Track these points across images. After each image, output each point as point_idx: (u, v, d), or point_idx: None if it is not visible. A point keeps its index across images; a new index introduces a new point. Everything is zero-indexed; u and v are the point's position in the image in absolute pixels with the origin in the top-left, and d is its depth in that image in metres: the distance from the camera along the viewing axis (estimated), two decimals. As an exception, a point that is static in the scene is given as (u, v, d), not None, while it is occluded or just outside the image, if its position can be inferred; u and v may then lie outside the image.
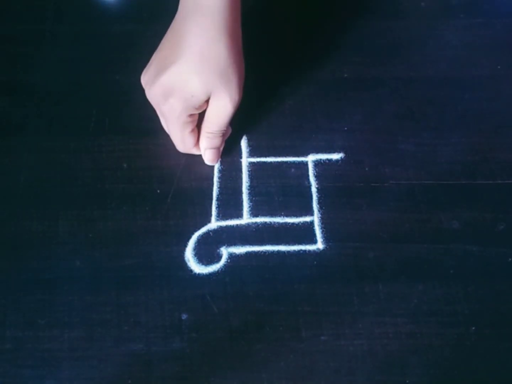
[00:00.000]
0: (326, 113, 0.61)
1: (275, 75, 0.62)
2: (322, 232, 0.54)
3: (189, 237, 0.54)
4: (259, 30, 0.58)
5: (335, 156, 0.58)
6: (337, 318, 0.50)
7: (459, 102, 0.61)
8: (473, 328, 0.50)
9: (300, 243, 0.54)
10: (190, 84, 0.51)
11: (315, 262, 0.53)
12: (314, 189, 0.56)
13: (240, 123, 0.59)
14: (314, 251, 0.53)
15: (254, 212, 0.55)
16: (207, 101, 0.53)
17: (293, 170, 0.57)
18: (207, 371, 0.48)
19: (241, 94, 0.53)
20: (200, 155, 0.57)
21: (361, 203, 0.56)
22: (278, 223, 0.55)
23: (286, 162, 0.58)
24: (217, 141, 0.55)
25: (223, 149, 0.57)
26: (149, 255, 0.53)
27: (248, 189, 0.56)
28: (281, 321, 0.50)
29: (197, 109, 0.53)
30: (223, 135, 0.55)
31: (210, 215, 0.55)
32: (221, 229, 0.54)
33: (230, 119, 0.54)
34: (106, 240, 0.53)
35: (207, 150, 0.56)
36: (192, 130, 0.55)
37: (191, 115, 0.53)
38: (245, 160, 0.58)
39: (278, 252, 0.53)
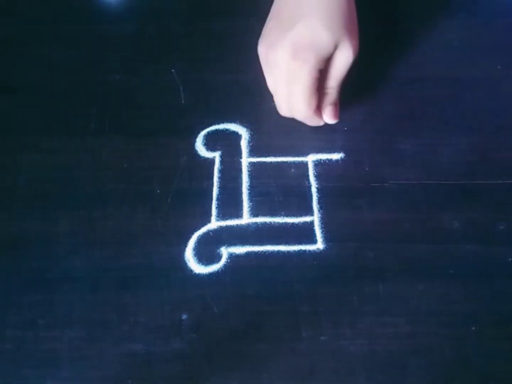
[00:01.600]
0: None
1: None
2: (322, 232, 0.54)
3: (189, 237, 0.54)
4: (259, 30, 0.58)
5: (335, 156, 0.58)
6: (337, 318, 0.50)
7: (459, 102, 0.61)
8: (473, 328, 0.50)
9: (300, 243, 0.54)
10: (321, 36, 0.52)
11: (315, 262, 0.53)
12: (314, 189, 0.56)
13: (240, 123, 0.59)
14: (314, 251, 0.53)
15: (254, 212, 0.55)
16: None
17: (293, 170, 0.57)
18: (207, 371, 0.48)
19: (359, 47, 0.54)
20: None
21: (361, 203, 0.56)
22: (278, 223, 0.55)
23: (286, 162, 0.58)
24: (336, 96, 0.56)
25: (223, 149, 0.57)
26: (149, 255, 0.53)
27: (248, 189, 0.56)
28: (281, 321, 0.50)
29: (325, 62, 0.53)
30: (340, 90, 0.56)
31: (210, 215, 0.55)
32: (221, 229, 0.54)
33: (347, 72, 0.54)
34: (106, 240, 0.53)
35: (329, 106, 0.56)
36: (317, 89, 0.54)
37: (319, 71, 0.53)
38: (245, 160, 0.58)
39: (278, 252, 0.53)
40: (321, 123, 0.57)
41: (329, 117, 0.57)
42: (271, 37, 0.54)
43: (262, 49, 0.55)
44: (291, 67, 0.53)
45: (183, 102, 0.61)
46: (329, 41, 0.52)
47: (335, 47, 0.53)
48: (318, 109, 0.56)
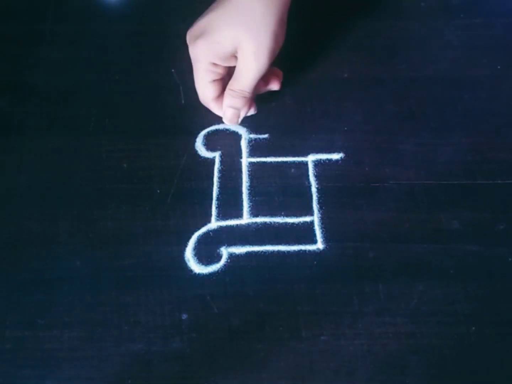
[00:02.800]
0: (326, 113, 0.61)
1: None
2: (322, 232, 0.54)
3: (189, 237, 0.54)
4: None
5: (335, 156, 0.58)
6: (337, 318, 0.50)
7: (459, 102, 0.61)
8: (473, 328, 0.50)
9: (300, 243, 0.54)
10: (219, 31, 0.53)
11: (315, 262, 0.53)
12: (314, 189, 0.56)
13: (240, 123, 0.59)
14: (314, 251, 0.53)
15: (254, 212, 0.55)
16: (235, 58, 0.54)
17: (293, 170, 0.57)
18: (207, 371, 0.48)
19: (270, 61, 0.53)
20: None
21: (361, 203, 0.56)
22: (278, 223, 0.55)
23: (286, 162, 0.58)
24: (238, 101, 0.56)
25: (223, 149, 0.57)
26: (149, 255, 0.53)
27: (248, 189, 0.56)
28: (281, 321, 0.50)
29: (221, 59, 0.54)
30: (246, 99, 0.56)
31: (210, 215, 0.55)
32: (221, 229, 0.54)
33: (254, 82, 0.54)
34: (106, 240, 0.53)
35: (228, 108, 0.57)
36: (214, 81, 0.56)
37: (215, 65, 0.54)
38: (245, 160, 0.58)
39: (278, 252, 0.53)
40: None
41: (225, 119, 0.58)
42: (197, 20, 0.56)
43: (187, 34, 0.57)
44: (190, 52, 0.56)
45: (183, 102, 0.61)
46: (224, 38, 0.53)
47: (235, 49, 0.53)
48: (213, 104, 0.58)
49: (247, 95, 0.56)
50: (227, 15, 0.53)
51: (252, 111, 0.58)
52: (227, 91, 0.56)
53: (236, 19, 0.52)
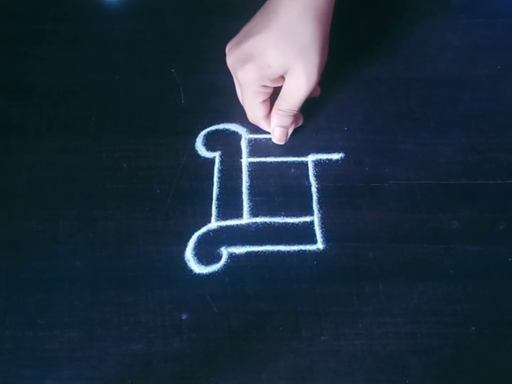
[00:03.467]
0: (326, 113, 0.61)
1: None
2: (322, 232, 0.54)
3: (189, 237, 0.54)
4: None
5: (335, 156, 0.58)
6: (337, 318, 0.50)
7: (459, 102, 0.61)
8: (473, 328, 0.50)
9: (300, 243, 0.54)
10: (269, 54, 0.52)
11: (315, 262, 0.53)
12: (314, 189, 0.56)
13: (240, 123, 0.59)
14: (314, 251, 0.53)
15: (254, 212, 0.55)
16: (283, 77, 0.54)
17: (293, 170, 0.57)
18: (207, 371, 0.48)
19: (319, 77, 0.53)
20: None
21: (361, 203, 0.56)
22: (278, 223, 0.55)
23: (286, 162, 0.58)
24: (287, 120, 0.56)
25: (223, 149, 0.57)
26: (149, 255, 0.53)
27: (248, 189, 0.56)
28: (281, 321, 0.50)
29: (271, 81, 0.54)
30: (295, 116, 0.56)
31: (210, 215, 0.55)
32: (221, 229, 0.54)
33: (303, 100, 0.54)
34: (106, 240, 0.54)
35: (276, 128, 0.57)
36: (264, 101, 0.56)
37: (264, 86, 0.54)
38: (245, 160, 0.58)
39: (278, 252, 0.53)
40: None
41: (274, 138, 0.58)
42: (234, 41, 0.55)
43: (226, 49, 0.56)
44: (238, 75, 0.54)
45: (183, 102, 0.61)
46: (275, 62, 0.52)
47: (285, 71, 0.53)
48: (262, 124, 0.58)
49: (296, 113, 0.56)
50: (275, 38, 0.52)
51: (300, 123, 0.58)
52: (275, 111, 0.56)
53: (285, 42, 0.52)
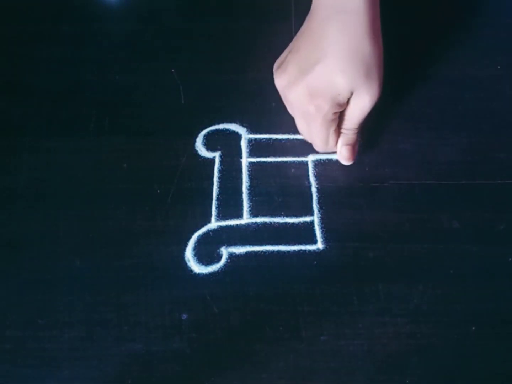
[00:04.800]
0: (326, 113, 0.60)
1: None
2: (322, 232, 0.54)
3: (189, 237, 0.54)
4: (259, 30, 0.58)
5: (335, 156, 0.58)
6: (337, 318, 0.50)
7: (459, 102, 0.61)
8: (473, 328, 0.50)
9: (300, 243, 0.54)
10: (337, 82, 0.51)
11: (315, 262, 0.53)
12: (314, 189, 0.56)
13: (240, 123, 0.59)
14: (314, 251, 0.53)
15: (254, 212, 0.55)
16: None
17: (293, 170, 0.57)
18: (207, 371, 0.48)
19: (381, 93, 0.53)
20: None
21: (361, 203, 0.56)
22: (278, 223, 0.55)
23: (286, 162, 0.58)
24: (353, 138, 0.56)
25: (223, 149, 0.57)
26: (149, 255, 0.53)
27: (248, 189, 0.56)
28: (281, 321, 0.50)
29: (341, 106, 0.53)
30: (358, 133, 0.56)
31: (210, 215, 0.55)
32: (221, 229, 0.54)
33: (365, 117, 0.54)
34: (106, 240, 0.54)
35: (344, 147, 0.56)
36: (336, 129, 0.55)
37: (335, 113, 0.53)
38: (245, 160, 0.58)
39: (278, 252, 0.53)
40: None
41: (343, 158, 0.56)
42: (289, 73, 0.53)
43: (279, 83, 0.54)
44: (308, 110, 0.53)
45: (183, 102, 0.61)
46: (345, 87, 0.51)
47: (351, 93, 0.52)
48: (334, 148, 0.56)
49: (359, 130, 0.55)
50: (340, 64, 0.50)
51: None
52: (342, 132, 0.55)
53: (350, 66, 0.50)
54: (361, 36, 0.51)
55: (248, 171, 0.57)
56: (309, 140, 0.57)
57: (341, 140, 0.56)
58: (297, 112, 0.55)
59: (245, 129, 0.59)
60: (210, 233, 0.54)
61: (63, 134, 0.59)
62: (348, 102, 0.53)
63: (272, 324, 0.50)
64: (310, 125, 0.55)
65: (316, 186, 0.56)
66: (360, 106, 0.53)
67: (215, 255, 0.53)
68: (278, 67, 0.55)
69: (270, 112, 0.60)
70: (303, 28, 0.54)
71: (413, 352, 0.49)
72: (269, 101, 0.61)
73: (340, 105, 0.52)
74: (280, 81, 0.54)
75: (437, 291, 0.52)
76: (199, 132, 0.59)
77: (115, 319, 0.50)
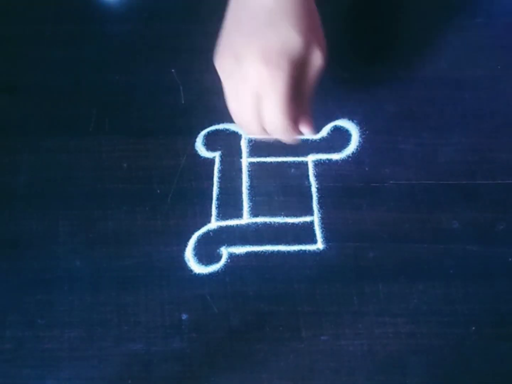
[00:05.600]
0: (326, 113, 0.60)
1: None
2: (322, 232, 0.54)
3: (189, 237, 0.54)
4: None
5: (335, 156, 0.58)
6: (337, 318, 0.51)
7: (459, 102, 0.61)
8: (473, 328, 0.50)
9: (300, 243, 0.54)
10: (293, 40, 0.48)
11: (315, 262, 0.53)
12: (314, 189, 0.56)
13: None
14: (314, 251, 0.53)
15: (254, 212, 0.55)
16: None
17: (293, 170, 0.57)
18: (207, 371, 0.49)
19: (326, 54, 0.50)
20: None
21: (361, 203, 0.56)
22: (278, 223, 0.55)
23: (286, 162, 0.58)
24: (309, 106, 0.52)
25: (223, 149, 0.57)
26: (149, 255, 0.53)
27: (248, 189, 0.56)
28: (281, 321, 0.50)
29: (297, 67, 0.48)
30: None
31: (210, 215, 0.55)
32: (221, 229, 0.54)
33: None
34: (106, 240, 0.54)
35: (306, 117, 0.51)
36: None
37: (293, 78, 0.49)
38: (245, 160, 0.58)
39: (278, 252, 0.53)
40: (297, 139, 0.52)
41: (307, 128, 0.51)
42: (235, 47, 0.49)
43: (225, 61, 0.50)
44: (264, 76, 0.48)
45: (183, 102, 0.61)
46: (301, 45, 0.48)
47: (307, 52, 0.49)
48: (293, 122, 0.50)
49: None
50: (288, 22, 0.48)
51: None
52: (302, 100, 0.51)
53: (298, 23, 0.49)
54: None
55: (248, 171, 0.57)
56: (259, 125, 0.50)
57: (302, 109, 0.51)
58: (251, 84, 0.48)
59: (245, 129, 0.59)
60: (210, 233, 0.54)
61: (63, 134, 0.59)
62: (301, 66, 0.49)
63: (272, 324, 0.50)
64: (267, 99, 0.48)
65: (316, 186, 0.56)
66: (316, 64, 0.50)
67: (215, 255, 0.53)
68: (217, 52, 0.51)
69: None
70: (229, 16, 0.51)
71: (413, 352, 0.49)
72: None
73: (297, 67, 0.48)
74: (225, 58, 0.50)
75: (437, 291, 0.52)
76: (199, 132, 0.59)
77: (115, 319, 0.50)
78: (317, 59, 0.50)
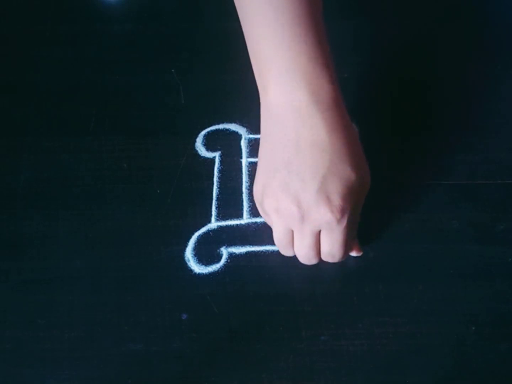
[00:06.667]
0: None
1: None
2: (322, 232, 0.54)
3: (189, 237, 0.54)
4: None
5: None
6: (337, 318, 0.50)
7: (459, 102, 0.61)
8: (473, 328, 0.50)
9: (300, 243, 0.54)
10: (350, 174, 0.47)
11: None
12: (314, 189, 0.56)
13: (240, 123, 0.59)
14: (314, 251, 0.53)
15: (254, 212, 0.55)
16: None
17: (293, 170, 0.57)
18: (207, 371, 0.48)
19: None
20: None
21: (361, 203, 0.55)
22: (278, 223, 0.55)
23: (286, 162, 0.58)
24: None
25: (223, 149, 0.58)
26: (149, 255, 0.53)
27: (248, 189, 0.56)
28: (281, 321, 0.50)
29: (356, 200, 0.48)
30: None
31: (210, 215, 0.55)
32: (221, 229, 0.54)
33: None
34: (106, 240, 0.54)
35: (355, 241, 0.52)
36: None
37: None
38: (245, 160, 0.58)
39: (278, 252, 0.53)
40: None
41: (357, 253, 0.52)
42: (291, 188, 0.47)
43: (281, 204, 0.47)
44: (327, 218, 0.47)
45: (183, 102, 0.61)
46: (359, 181, 0.48)
47: (361, 183, 0.48)
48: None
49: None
50: (343, 158, 0.47)
51: None
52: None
53: (352, 158, 0.48)
54: (345, 127, 0.48)
55: (248, 171, 0.57)
56: (309, 259, 0.51)
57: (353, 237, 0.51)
58: (308, 229, 0.48)
59: (245, 129, 0.59)
60: (210, 233, 0.54)
61: (63, 134, 0.59)
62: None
63: (272, 324, 0.50)
64: (333, 245, 0.49)
65: (316, 186, 0.56)
66: (366, 190, 0.49)
67: (215, 255, 0.53)
68: (264, 192, 0.48)
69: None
70: (270, 141, 0.49)
71: (413, 352, 0.49)
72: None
73: (356, 198, 0.48)
74: (282, 203, 0.47)
75: (437, 291, 0.52)
76: (199, 132, 0.59)
77: (115, 319, 0.50)
78: (367, 187, 0.49)
